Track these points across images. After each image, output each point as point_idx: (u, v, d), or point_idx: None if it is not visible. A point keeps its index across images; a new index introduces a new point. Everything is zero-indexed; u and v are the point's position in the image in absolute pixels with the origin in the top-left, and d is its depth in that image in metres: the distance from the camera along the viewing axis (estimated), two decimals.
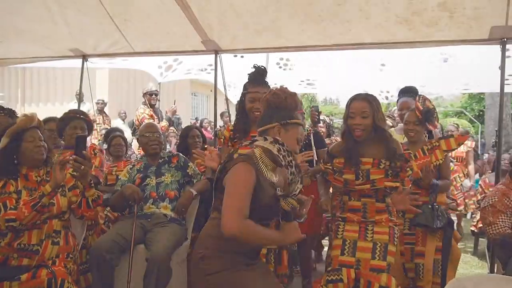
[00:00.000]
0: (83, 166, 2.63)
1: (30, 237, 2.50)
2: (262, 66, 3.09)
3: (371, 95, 2.82)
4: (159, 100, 7.04)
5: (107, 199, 3.31)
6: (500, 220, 3.22)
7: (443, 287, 2.99)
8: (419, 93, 3.82)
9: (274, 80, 8.26)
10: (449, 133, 6.90)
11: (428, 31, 3.68)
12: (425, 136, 3.42)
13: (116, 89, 12.00)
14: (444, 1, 3.31)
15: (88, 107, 10.53)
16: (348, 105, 2.82)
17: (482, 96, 16.50)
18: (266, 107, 2.30)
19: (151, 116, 6.86)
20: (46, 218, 2.55)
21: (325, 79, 8.38)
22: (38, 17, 4.96)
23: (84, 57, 5.74)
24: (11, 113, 3.75)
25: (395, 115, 5.38)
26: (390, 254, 2.70)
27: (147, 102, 6.82)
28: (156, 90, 6.99)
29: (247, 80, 3.07)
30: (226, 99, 5.70)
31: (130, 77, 12.58)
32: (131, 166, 3.64)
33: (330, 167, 2.87)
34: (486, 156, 10.35)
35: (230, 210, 1.92)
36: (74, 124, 3.73)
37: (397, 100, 4.23)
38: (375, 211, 2.79)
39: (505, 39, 3.61)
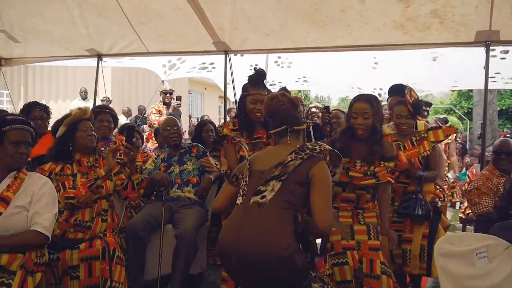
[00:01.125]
0: (132, 152, 3.05)
1: (83, 215, 2.89)
2: (261, 69, 3.25)
3: (374, 96, 2.98)
4: (173, 99, 7.41)
5: None
6: (484, 200, 3.66)
7: (429, 271, 3.29)
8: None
9: (273, 77, 8.74)
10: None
11: (421, 34, 4.11)
12: (413, 127, 3.55)
13: (118, 86, 12.33)
14: (435, 9, 3.75)
15: (92, 104, 10.90)
16: (351, 105, 2.97)
17: (470, 93, 17.04)
18: (275, 110, 2.42)
19: (158, 111, 7.29)
20: (97, 198, 2.95)
21: (320, 77, 8.79)
22: (58, 19, 5.34)
23: (99, 57, 6.11)
24: (45, 108, 4.13)
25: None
26: (380, 233, 2.96)
27: (162, 100, 7.23)
28: (171, 89, 7.39)
29: (246, 81, 3.18)
30: (235, 97, 6.08)
31: (132, 75, 12.92)
32: (155, 156, 4.05)
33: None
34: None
35: (327, 209, 2.15)
36: (101, 117, 4.11)
37: (387, 99, 4.32)
38: (365, 201, 2.99)
39: (489, 42, 4.05)
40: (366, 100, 2.90)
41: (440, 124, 5.47)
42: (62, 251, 2.72)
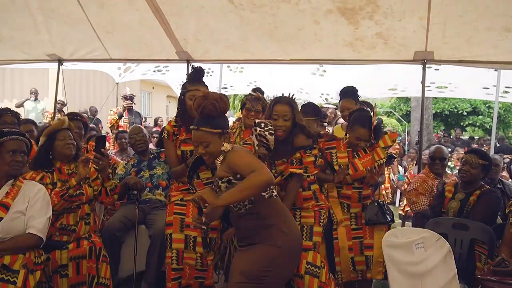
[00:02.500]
0: (101, 162, 3.27)
1: (68, 219, 3.09)
2: (199, 66, 3.27)
3: (292, 99, 3.02)
4: (135, 103, 7.58)
5: None
6: (421, 200, 4.22)
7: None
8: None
9: (226, 82, 9.11)
10: None
11: (367, 52, 4.63)
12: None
13: (70, 88, 12.20)
14: (380, 32, 4.26)
15: (43, 106, 10.79)
16: (272, 107, 2.98)
17: (408, 97, 18.16)
18: (209, 111, 2.45)
19: (115, 114, 7.50)
20: (79, 204, 3.17)
21: (270, 81, 9.23)
22: (22, 26, 5.43)
23: (60, 61, 6.22)
24: (16, 113, 4.28)
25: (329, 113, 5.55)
26: (316, 234, 2.99)
27: (123, 105, 7.41)
28: (132, 94, 7.55)
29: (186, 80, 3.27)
30: None
31: (83, 76, 12.80)
32: (125, 162, 4.31)
33: None
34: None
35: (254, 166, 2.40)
36: (73, 124, 4.30)
37: (338, 101, 4.33)
38: (302, 199, 3.03)
39: (425, 60, 4.63)
40: (287, 103, 2.95)
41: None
42: (51, 251, 2.95)
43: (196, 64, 5.75)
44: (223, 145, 2.42)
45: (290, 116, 2.92)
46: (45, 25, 5.38)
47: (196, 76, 3.21)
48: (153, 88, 20.65)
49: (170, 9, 4.75)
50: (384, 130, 4.22)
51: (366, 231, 3.40)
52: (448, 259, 2.66)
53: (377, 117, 3.51)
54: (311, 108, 3.85)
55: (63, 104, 9.86)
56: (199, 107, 2.42)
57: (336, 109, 4.90)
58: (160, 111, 19.56)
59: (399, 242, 2.64)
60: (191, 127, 2.47)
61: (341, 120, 4.69)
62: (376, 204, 3.38)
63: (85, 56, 6.05)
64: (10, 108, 4.34)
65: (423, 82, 4.79)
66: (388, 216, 3.34)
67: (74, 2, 4.84)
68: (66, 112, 9.96)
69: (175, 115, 3.33)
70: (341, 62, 5.03)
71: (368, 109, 4.07)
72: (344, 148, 3.43)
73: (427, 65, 4.67)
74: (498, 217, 3.84)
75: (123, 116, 7.65)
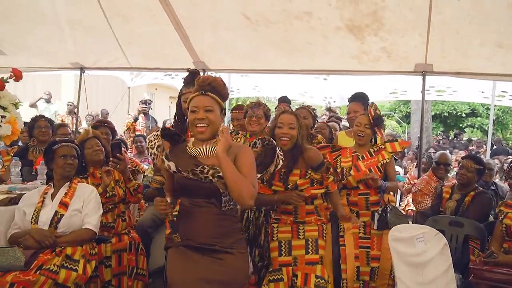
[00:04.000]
0: (118, 165, 3.65)
1: (107, 217, 3.50)
2: (195, 69, 3.19)
3: (298, 114, 3.05)
4: (151, 108, 7.97)
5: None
6: (425, 200, 4.65)
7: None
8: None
9: (233, 85, 9.51)
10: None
11: (372, 64, 5.03)
12: (372, 141, 3.58)
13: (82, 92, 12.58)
14: (384, 46, 4.66)
15: (56, 108, 11.17)
16: (277, 117, 3.01)
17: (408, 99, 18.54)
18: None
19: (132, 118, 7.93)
20: (116, 203, 3.57)
21: (273, 84, 9.61)
22: (49, 37, 5.84)
23: (82, 69, 6.62)
24: (49, 119, 4.70)
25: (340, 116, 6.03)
26: (321, 247, 2.97)
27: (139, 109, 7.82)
28: (149, 100, 7.95)
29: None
30: None
31: (94, 81, 13.14)
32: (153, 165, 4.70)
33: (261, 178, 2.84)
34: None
35: None
36: (100, 131, 4.70)
37: (347, 105, 4.46)
38: (305, 212, 3.02)
39: (425, 72, 5.02)
40: (293, 114, 2.99)
41: None
42: (98, 245, 3.35)
43: (210, 73, 6.22)
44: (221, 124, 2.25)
45: (296, 126, 2.92)
46: (71, 36, 5.80)
47: (192, 80, 3.01)
48: (156, 89, 20.96)
49: (189, 23, 5.17)
50: (396, 138, 4.25)
51: (374, 241, 3.37)
52: (445, 251, 3.06)
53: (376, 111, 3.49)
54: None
55: (74, 106, 10.26)
56: (208, 79, 2.26)
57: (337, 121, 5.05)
58: (163, 112, 19.87)
59: (402, 236, 3.03)
60: (194, 94, 2.24)
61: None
62: (386, 209, 3.33)
63: (106, 64, 6.46)
64: (43, 115, 4.75)
65: (422, 91, 5.19)
66: (400, 221, 3.28)
67: (101, 15, 5.25)
68: (77, 114, 10.44)
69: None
70: (347, 73, 5.43)
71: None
72: (350, 154, 3.49)
73: (426, 76, 5.06)
74: (491, 216, 4.24)
75: (138, 119, 8.06)
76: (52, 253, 2.77)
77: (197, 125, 2.17)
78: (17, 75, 2.80)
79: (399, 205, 8.50)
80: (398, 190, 8.65)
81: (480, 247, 3.59)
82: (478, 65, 4.75)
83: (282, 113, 3.00)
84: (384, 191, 3.36)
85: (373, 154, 3.46)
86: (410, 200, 5.94)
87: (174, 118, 3.16)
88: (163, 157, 2.22)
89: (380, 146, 3.47)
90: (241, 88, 10.54)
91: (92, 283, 3.14)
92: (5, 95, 2.73)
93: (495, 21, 4.12)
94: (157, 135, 2.33)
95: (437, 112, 20.89)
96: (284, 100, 4.91)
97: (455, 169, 5.50)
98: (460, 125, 21.75)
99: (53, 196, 3.00)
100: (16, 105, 2.81)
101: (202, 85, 2.23)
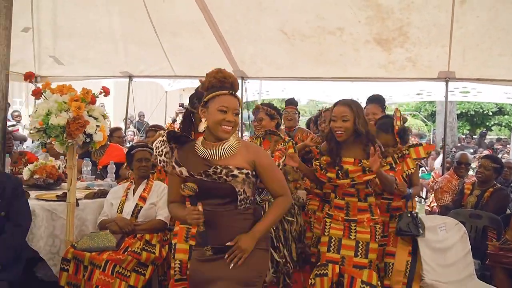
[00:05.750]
0: None
1: None
2: None
3: (354, 101, 2.94)
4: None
5: None
6: (445, 196, 5.12)
7: (409, 286, 3.29)
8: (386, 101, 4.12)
9: (264, 88, 10.05)
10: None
11: (398, 73, 5.51)
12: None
13: (119, 95, 13.37)
14: (409, 56, 5.15)
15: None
16: (332, 109, 2.97)
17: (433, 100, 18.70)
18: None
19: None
20: None
21: (301, 88, 10.09)
22: (105, 49, 6.51)
23: (130, 77, 7.28)
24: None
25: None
26: (372, 251, 2.86)
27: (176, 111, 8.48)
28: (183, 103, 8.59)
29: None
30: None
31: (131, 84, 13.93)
32: None
33: (318, 164, 3.04)
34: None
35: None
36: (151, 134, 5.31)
37: (365, 107, 4.08)
38: (357, 209, 2.91)
39: (447, 78, 5.48)
40: (345, 104, 2.88)
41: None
42: None
43: (251, 82, 6.79)
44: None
45: (350, 117, 2.83)
46: (123, 49, 6.48)
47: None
48: (183, 90, 21.63)
49: (231, 37, 5.75)
50: (420, 142, 4.03)
51: (390, 239, 3.33)
52: (464, 239, 3.54)
53: (401, 119, 3.35)
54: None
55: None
56: (230, 77, 2.17)
57: None
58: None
59: (427, 225, 3.52)
60: (223, 92, 2.10)
61: None
62: (409, 215, 3.22)
63: (153, 73, 7.12)
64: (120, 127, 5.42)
65: (446, 96, 5.64)
66: (420, 229, 3.22)
67: (151, 31, 5.89)
68: (126, 118, 11.18)
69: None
70: (376, 80, 5.92)
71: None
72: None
73: (449, 82, 5.51)
74: (508, 210, 4.69)
75: (176, 120, 8.71)
76: (134, 238, 3.37)
77: (224, 125, 2.07)
78: (106, 92, 3.40)
79: (425, 202, 8.92)
80: (424, 188, 9.09)
81: (497, 236, 4.05)
82: (498, 72, 5.19)
83: (336, 105, 2.94)
84: (409, 199, 3.31)
85: (398, 161, 3.32)
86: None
87: (182, 119, 3.19)
88: (174, 163, 2.12)
89: (404, 152, 3.33)
90: (270, 90, 11.09)
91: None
92: (96, 108, 3.32)
93: None
94: (163, 140, 2.18)
95: (463, 111, 20.84)
96: (291, 103, 4.89)
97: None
98: (487, 124, 21.65)
99: (134, 191, 3.60)
100: (104, 116, 3.40)
101: (224, 82, 2.13)
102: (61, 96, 3.16)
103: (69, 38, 6.25)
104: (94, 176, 4.66)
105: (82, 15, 5.79)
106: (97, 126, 3.21)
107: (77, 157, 4.88)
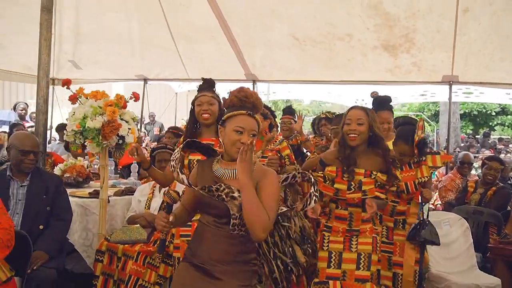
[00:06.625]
0: None
1: None
2: (210, 78, 3.04)
3: (369, 108, 2.89)
4: None
5: None
6: (448, 194, 5.40)
7: None
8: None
9: (272, 89, 10.33)
10: None
11: (404, 76, 5.79)
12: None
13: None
14: (414, 61, 5.42)
15: None
16: (346, 114, 2.85)
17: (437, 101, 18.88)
18: None
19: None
20: None
21: (306, 89, 10.35)
22: (121, 54, 6.80)
23: (145, 80, 7.57)
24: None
25: None
26: (373, 263, 2.76)
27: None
28: None
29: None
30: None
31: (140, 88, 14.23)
32: None
33: (321, 175, 2.82)
34: None
35: None
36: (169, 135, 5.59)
37: (376, 112, 3.49)
38: (360, 220, 2.79)
39: (451, 82, 5.75)
40: (361, 108, 2.84)
41: None
42: None
43: (259, 84, 7.07)
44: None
45: (365, 121, 2.75)
46: (140, 53, 6.76)
47: (205, 86, 2.98)
48: (188, 91, 21.96)
49: (244, 41, 6.03)
50: (439, 151, 3.90)
51: (396, 247, 3.19)
52: (467, 233, 3.82)
53: (423, 132, 3.19)
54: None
55: None
56: (252, 96, 2.10)
57: None
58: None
59: (432, 221, 3.77)
60: (242, 111, 2.03)
61: None
62: (427, 222, 3.16)
63: (167, 76, 7.42)
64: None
65: (449, 100, 5.92)
66: (437, 238, 3.18)
67: (168, 36, 6.17)
68: (141, 120, 11.48)
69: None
70: (383, 84, 6.20)
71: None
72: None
73: (452, 86, 5.79)
74: (509, 206, 4.97)
75: None
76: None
77: (239, 146, 1.96)
78: (136, 97, 3.67)
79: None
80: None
81: (497, 231, 4.32)
82: (499, 76, 5.46)
83: (351, 109, 2.86)
84: (423, 205, 3.23)
85: (412, 167, 3.20)
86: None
87: (187, 124, 3.06)
88: (178, 170, 2.06)
89: (421, 158, 3.19)
90: (277, 91, 11.40)
91: None
92: (127, 112, 3.60)
93: None
94: (180, 147, 2.16)
95: (466, 111, 20.97)
96: (288, 112, 4.94)
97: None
98: (490, 124, 21.71)
99: (160, 188, 3.88)
100: (134, 119, 3.67)
101: (245, 101, 2.06)
102: (95, 101, 3.44)
103: (88, 43, 6.53)
104: (118, 175, 4.94)
105: (102, 21, 6.07)
106: (129, 128, 3.48)
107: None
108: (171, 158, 2.12)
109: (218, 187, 1.95)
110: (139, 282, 3.29)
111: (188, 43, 6.33)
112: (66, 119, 3.51)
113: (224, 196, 1.93)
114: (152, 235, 3.59)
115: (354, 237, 2.79)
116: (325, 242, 2.84)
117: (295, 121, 4.78)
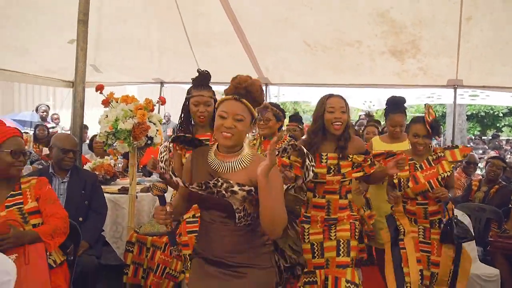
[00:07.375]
0: None
1: None
2: (205, 70, 3.01)
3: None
4: None
5: None
6: (454, 193, 5.66)
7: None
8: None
9: (281, 90, 10.60)
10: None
11: (411, 80, 6.06)
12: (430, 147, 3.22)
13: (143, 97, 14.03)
14: (421, 66, 5.70)
15: None
16: (325, 101, 2.81)
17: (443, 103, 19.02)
18: None
19: None
20: None
21: (315, 90, 10.62)
22: (141, 59, 7.13)
23: (162, 84, 7.90)
24: None
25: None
26: (353, 249, 2.83)
27: None
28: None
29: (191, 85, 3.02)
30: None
31: (154, 90, 14.63)
32: None
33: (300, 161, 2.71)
34: None
35: None
36: None
37: (387, 113, 3.83)
38: (338, 207, 2.85)
39: (456, 86, 6.02)
40: (341, 97, 2.84)
41: None
42: None
43: (271, 87, 7.37)
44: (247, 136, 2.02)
45: (346, 109, 2.80)
46: (158, 58, 7.08)
47: (201, 81, 2.97)
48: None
49: (258, 47, 6.33)
50: (457, 145, 3.83)
51: (434, 247, 3.15)
52: (469, 227, 4.10)
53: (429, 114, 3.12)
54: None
55: None
56: (246, 81, 1.99)
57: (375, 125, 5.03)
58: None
59: None
60: (227, 96, 1.96)
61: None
62: (455, 220, 3.14)
63: (183, 79, 7.71)
64: None
65: (454, 102, 6.18)
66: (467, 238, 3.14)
67: (186, 43, 6.49)
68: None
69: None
70: (389, 86, 6.47)
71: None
72: (407, 161, 2.99)
73: (458, 89, 6.06)
74: (510, 204, 5.23)
75: None
76: None
77: (223, 132, 1.89)
78: (162, 101, 3.99)
79: None
80: None
81: (498, 227, 4.59)
82: (501, 80, 5.73)
83: (330, 97, 2.85)
84: (447, 203, 3.18)
85: (432, 164, 3.15)
86: None
87: (180, 120, 2.98)
88: (170, 172, 2.00)
89: (440, 154, 3.16)
90: (286, 93, 11.67)
91: None
92: (154, 115, 3.91)
93: None
94: (166, 146, 2.09)
95: (474, 112, 20.98)
96: (295, 119, 5.07)
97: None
98: (498, 125, 21.84)
99: None
100: (160, 121, 3.98)
101: (237, 87, 1.97)
102: (126, 105, 3.76)
103: (109, 48, 6.86)
104: (141, 173, 5.27)
105: (123, 27, 6.40)
106: (157, 130, 3.80)
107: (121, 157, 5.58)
108: (158, 159, 2.06)
109: (216, 182, 1.87)
110: (166, 270, 3.61)
111: (204, 48, 6.64)
112: (98, 122, 3.83)
113: (224, 192, 1.86)
114: (177, 229, 3.89)
115: (333, 226, 2.87)
116: (305, 235, 2.90)
117: (300, 128, 5.07)
